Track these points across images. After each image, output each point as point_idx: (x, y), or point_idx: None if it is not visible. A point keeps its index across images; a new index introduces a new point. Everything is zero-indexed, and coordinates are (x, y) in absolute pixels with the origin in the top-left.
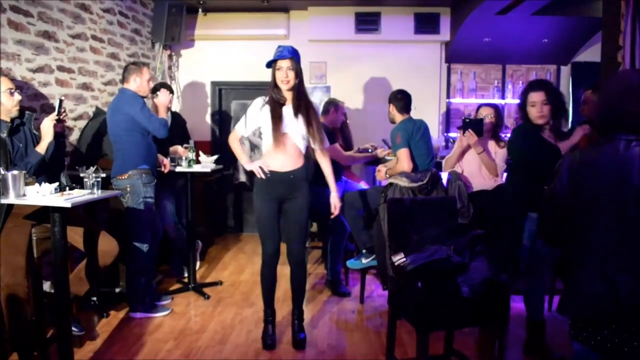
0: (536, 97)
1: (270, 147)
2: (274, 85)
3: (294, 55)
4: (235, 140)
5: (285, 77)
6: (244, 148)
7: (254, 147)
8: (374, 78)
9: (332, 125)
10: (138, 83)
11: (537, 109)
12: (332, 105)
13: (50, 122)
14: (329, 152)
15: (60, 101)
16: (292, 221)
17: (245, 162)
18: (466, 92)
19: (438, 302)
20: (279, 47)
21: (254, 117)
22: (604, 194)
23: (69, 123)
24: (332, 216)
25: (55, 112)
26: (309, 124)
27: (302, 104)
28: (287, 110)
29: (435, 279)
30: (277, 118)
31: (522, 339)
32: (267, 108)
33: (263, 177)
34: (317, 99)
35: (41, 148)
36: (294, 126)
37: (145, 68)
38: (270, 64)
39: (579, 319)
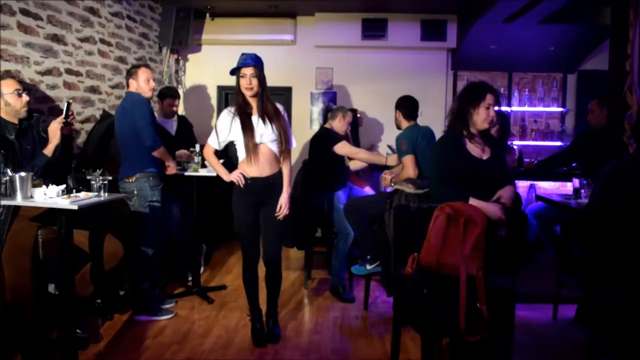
0: (490, 99)
1: (246, 156)
2: (238, 92)
3: (257, 63)
4: (211, 154)
5: (248, 84)
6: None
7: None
8: (380, 84)
9: (338, 131)
10: (135, 86)
11: (490, 112)
12: (340, 112)
13: (57, 125)
14: (337, 150)
15: (68, 104)
16: (269, 224)
17: (223, 174)
18: None
19: (443, 309)
20: (243, 54)
21: (225, 133)
22: (633, 201)
23: (76, 126)
24: (278, 217)
25: (63, 115)
26: (278, 128)
27: (269, 110)
28: (255, 119)
29: (441, 286)
30: (248, 130)
31: (526, 348)
32: (237, 121)
33: (242, 185)
34: (323, 105)
35: (48, 150)
36: (267, 134)
37: (141, 69)
38: (234, 72)
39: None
